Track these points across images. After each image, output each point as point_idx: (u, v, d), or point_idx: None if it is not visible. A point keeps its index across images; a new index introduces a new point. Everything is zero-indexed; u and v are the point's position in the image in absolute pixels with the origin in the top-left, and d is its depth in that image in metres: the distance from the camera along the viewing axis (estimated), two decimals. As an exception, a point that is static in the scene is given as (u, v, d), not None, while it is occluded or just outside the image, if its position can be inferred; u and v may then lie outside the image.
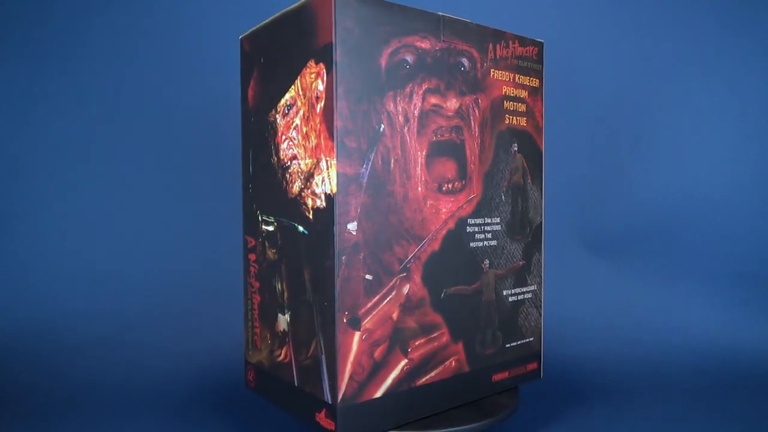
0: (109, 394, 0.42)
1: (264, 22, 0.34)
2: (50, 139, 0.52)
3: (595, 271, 0.48)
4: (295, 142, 0.31)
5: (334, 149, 0.28)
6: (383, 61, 0.30)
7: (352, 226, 0.29)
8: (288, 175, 0.32)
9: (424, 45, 0.32)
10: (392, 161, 0.30)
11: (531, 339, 0.38)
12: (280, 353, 0.33)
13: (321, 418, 0.30)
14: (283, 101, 0.32)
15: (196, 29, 0.53)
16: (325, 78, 0.29)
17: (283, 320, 0.33)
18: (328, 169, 0.29)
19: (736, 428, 0.35)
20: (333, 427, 0.29)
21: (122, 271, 0.51)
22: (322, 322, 0.30)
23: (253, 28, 0.35)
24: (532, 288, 0.38)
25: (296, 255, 0.31)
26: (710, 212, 0.48)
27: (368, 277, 0.30)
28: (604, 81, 0.47)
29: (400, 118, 0.31)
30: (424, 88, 0.32)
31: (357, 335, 0.29)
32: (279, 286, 0.33)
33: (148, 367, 0.45)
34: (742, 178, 0.48)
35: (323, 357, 0.30)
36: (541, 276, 0.39)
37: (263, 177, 0.34)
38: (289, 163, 0.32)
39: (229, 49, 0.53)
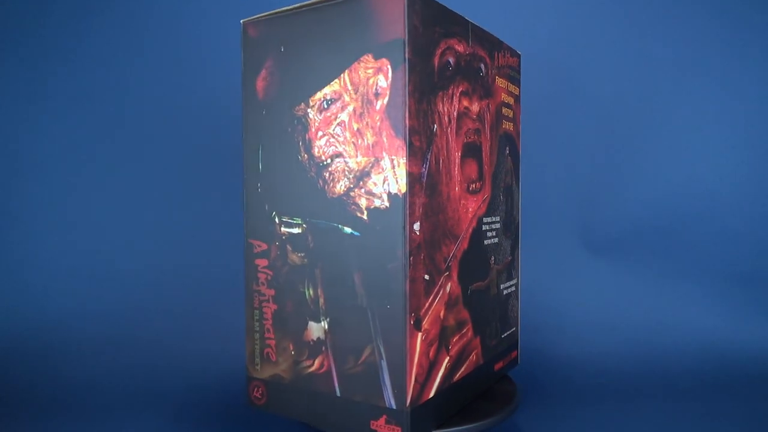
0: (109, 394, 0.41)
1: (281, 9, 0.31)
2: (50, 138, 0.50)
3: (595, 271, 0.49)
4: (341, 139, 0.30)
5: (404, 148, 0.28)
6: (436, 61, 0.30)
7: (417, 226, 0.28)
8: (327, 174, 0.30)
9: (460, 49, 0.32)
10: (441, 161, 0.31)
11: (515, 328, 0.41)
12: (312, 363, 0.31)
13: (379, 425, 0.29)
14: (319, 95, 0.30)
15: (197, 28, 0.51)
16: (390, 74, 0.28)
17: (318, 328, 0.31)
18: (393, 168, 0.28)
19: (735, 428, 0.35)
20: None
21: (122, 271, 0.50)
22: (382, 327, 0.29)
23: (263, 15, 0.32)
24: (515, 281, 0.41)
25: (340, 258, 0.30)
26: (710, 212, 0.49)
27: (426, 277, 0.29)
28: (604, 81, 0.48)
29: (445, 118, 0.31)
30: (459, 91, 0.32)
31: (419, 336, 0.29)
32: (310, 292, 0.31)
33: (149, 368, 0.44)
34: (743, 178, 0.49)
35: (384, 362, 0.29)
36: (519, 270, 0.42)
37: (283, 175, 0.32)
38: (328, 160, 0.30)
39: (229, 48, 0.51)
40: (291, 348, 0.32)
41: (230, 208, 0.52)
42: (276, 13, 0.32)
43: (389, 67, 0.28)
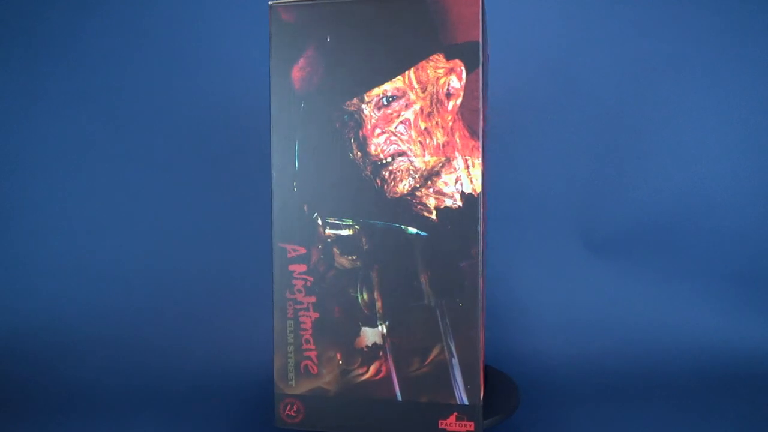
0: (110, 394, 0.41)
1: None
2: (50, 138, 0.50)
3: (595, 271, 0.49)
4: (404, 137, 0.29)
5: (479, 149, 0.28)
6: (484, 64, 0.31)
7: (480, 226, 0.29)
8: (386, 173, 0.29)
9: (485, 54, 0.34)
10: (482, 161, 0.32)
11: None
12: (365, 371, 0.30)
13: (450, 423, 0.29)
14: (377, 91, 0.29)
15: (198, 28, 0.50)
16: (464, 76, 0.28)
17: (374, 333, 0.30)
18: (468, 168, 0.29)
19: (735, 428, 0.35)
20: (473, 428, 0.29)
21: (123, 271, 0.49)
22: (452, 325, 0.29)
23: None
24: None
25: (402, 259, 0.29)
26: (711, 212, 0.49)
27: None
28: (604, 80, 0.48)
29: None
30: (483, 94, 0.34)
31: (482, 331, 0.30)
32: (364, 296, 0.30)
33: (149, 368, 0.44)
34: (743, 178, 0.49)
35: (455, 360, 0.29)
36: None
37: (329, 174, 0.30)
38: (389, 159, 0.29)
39: (230, 48, 0.49)
40: (339, 357, 0.30)
41: (231, 208, 0.50)
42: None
43: (463, 68, 0.28)
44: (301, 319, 0.30)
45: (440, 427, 0.29)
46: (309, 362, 0.30)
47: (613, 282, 0.48)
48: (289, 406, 0.31)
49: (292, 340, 0.31)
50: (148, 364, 0.44)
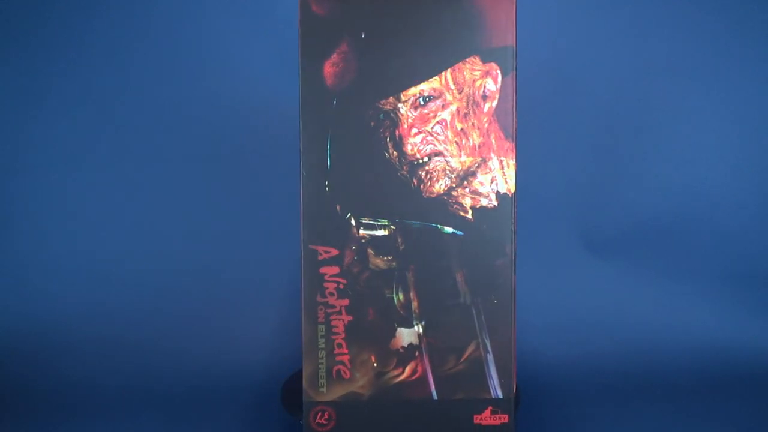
0: (110, 394, 0.41)
1: None
2: (50, 138, 0.50)
3: (595, 271, 0.48)
4: (441, 137, 0.29)
5: (513, 150, 0.29)
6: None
7: (514, 225, 0.30)
8: (423, 173, 0.29)
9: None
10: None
11: None
12: (401, 372, 0.30)
13: (485, 417, 0.30)
14: (414, 90, 0.29)
15: (200, 27, 0.49)
16: (499, 79, 0.29)
17: (410, 333, 0.30)
18: (503, 169, 0.29)
19: (735, 428, 0.35)
20: (507, 420, 0.30)
21: (123, 271, 0.49)
22: (488, 321, 0.30)
23: None
24: None
25: (438, 258, 0.29)
26: (710, 212, 0.49)
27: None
28: (604, 81, 0.48)
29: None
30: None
31: (515, 326, 0.31)
32: (399, 296, 0.30)
33: (149, 368, 0.44)
34: (743, 178, 0.49)
35: (490, 356, 0.30)
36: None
37: (364, 173, 0.29)
38: (425, 159, 0.29)
39: (233, 47, 0.49)
40: (373, 360, 0.30)
41: (232, 208, 0.50)
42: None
43: (498, 72, 0.29)
44: (333, 323, 0.30)
45: (475, 422, 0.30)
46: (342, 367, 0.30)
47: (613, 282, 0.48)
48: (319, 414, 0.30)
49: (323, 345, 0.30)
50: (148, 365, 0.44)
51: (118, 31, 0.48)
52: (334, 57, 0.29)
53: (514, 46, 0.29)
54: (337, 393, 0.30)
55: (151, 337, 0.45)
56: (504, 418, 0.30)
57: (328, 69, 0.29)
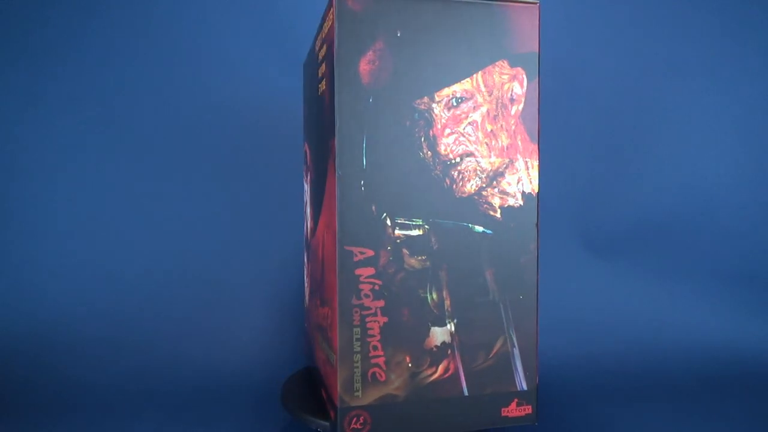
0: (109, 394, 0.41)
1: None
2: (50, 138, 0.49)
3: (595, 271, 0.48)
4: (472, 138, 0.30)
5: (536, 152, 0.31)
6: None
7: (537, 223, 0.32)
8: (455, 173, 0.30)
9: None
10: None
11: None
12: (435, 370, 0.30)
13: (511, 410, 0.31)
14: (448, 91, 0.29)
15: (199, 28, 0.49)
16: (525, 84, 0.30)
17: (443, 332, 0.30)
18: (528, 169, 0.31)
19: (736, 428, 0.35)
20: (531, 410, 0.31)
21: (123, 271, 0.49)
22: (514, 317, 0.31)
23: None
24: None
25: (470, 257, 0.30)
26: (710, 212, 0.49)
27: (523, 267, 0.33)
28: (604, 80, 0.48)
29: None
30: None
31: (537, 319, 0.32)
32: (433, 296, 0.30)
33: (149, 368, 0.44)
34: (743, 178, 0.49)
35: (516, 350, 0.31)
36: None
37: (399, 173, 0.29)
38: (458, 159, 0.30)
39: (230, 48, 0.48)
40: (408, 360, 0.29)
41: (231, 209, 0.49)
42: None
43: (524, 76, 0.30)
44: (369, 325, 0.29)
45: (502, 414, 0.31)
46: (377, 369, 0.29)
47: (612, 282, 0.48)
48: (355, 419, 0.29)
49: (358, 349, 0.29)
50: (149, 365, 0.44)
51: (118, 33, 0.48)
52: (370, 54, 0.29)
53: (538, 52, 0.31)
54: (372, 396, 0.29)
55: (151, 337, 0.45)
56: (528, 409, 0.31)
57: (364, 66, 0.29)
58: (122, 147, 0.49)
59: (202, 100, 0.48)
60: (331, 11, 0.29)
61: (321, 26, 0.32)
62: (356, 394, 0.29)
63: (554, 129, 0.50)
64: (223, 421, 0.37)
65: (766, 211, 0.50)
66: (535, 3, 0.31)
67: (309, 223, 0.39)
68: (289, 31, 0.46)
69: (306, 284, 0.42)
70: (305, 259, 0.42)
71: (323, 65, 0.31)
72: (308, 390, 0.39)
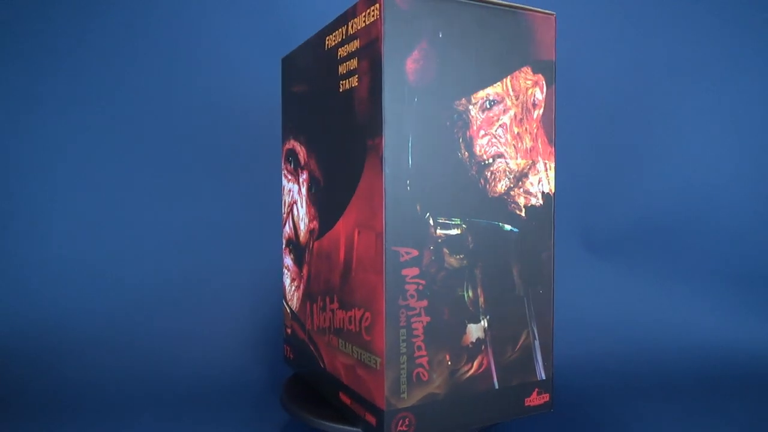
0: (109, 394, 0.41)
1: None
2: (50, 138, 0.49)
3: (595, 271, 0.48)
4: (502, 140, 0.31)
5: (553, 154, 0.33)
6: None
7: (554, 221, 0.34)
8: (488, 173, 0.31)
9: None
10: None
11: None
12: (470, 367, 0.30)
13: (533, 399, 0.33)
14: (482, 93, 0.30)
15: (198, 28, 0.48)
16: (545, 90, 0.32)
17: (477, 328, 0.31)
18: (546, 171, 0.32)
19: (736, 428, 0.35)
20: (548, 398, 0.33)
21: (123, 271, 0.48)
22: (536, 310, 0.32)
23: None
24: None
25: (500, 254, 0.31)
26: (710, 212, 0.49)
27: (533, 263, 0.35)
28: (605, 80, 0.47)
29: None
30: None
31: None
32: (469, 293, 0.30)
33: (149, 369, 0.44)
34: (743, 178, 0.49)
35: (537, 342, 0.33)
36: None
37: (440, 173, 0.29)
38: (490, 160, 0.31)
39: (230, 48, 0.48)
40: (447, 359, 0.30)
41: (233, 208, 0.48)
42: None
43: (544, 83, 0.32)
44: (414, 325, 0.29)
45: (526, 404, 0.32)
46: (421, 369, 0.29)
47: (612, 282, 0.48)
48: (401, 422, 0.29)
49: (404, 350, 0.29)
50: (149, 365, 0.43)
51: (116, 34, 0.47)
52: (416, 54, 0.28)
53: (554, 60, 0.33)
54: (416, 397, 0.29)
55: (151, 338, 0.44)
56: (546, 397, 0.33)
57: (410, 65, 0.28)
58: (123, 147, 0.48)
59: (205, 101, 0.47)
60: (373, 7, 0.28)
61: (344, 21, 0.31)
62: (402, 395, 0.29)
63: (555, 130, 0.50)
64: (223, 421, 0.37)
65: (766, 211, 0.49)
66: (552, 14, 0.32)
67: (306, 224, 0.37)
68: (290, 32, 0.44)
69: (294, 288, 0.40)
70: (289, 263, 0.40)
71: (353, 61, 0.30)
72: (308, 390, 0.38)
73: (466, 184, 0.30)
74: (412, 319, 0.29)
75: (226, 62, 0.46)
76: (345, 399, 0.33)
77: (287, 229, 0.41)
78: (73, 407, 0.39)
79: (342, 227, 0.32)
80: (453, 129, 0.30)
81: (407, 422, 0.29)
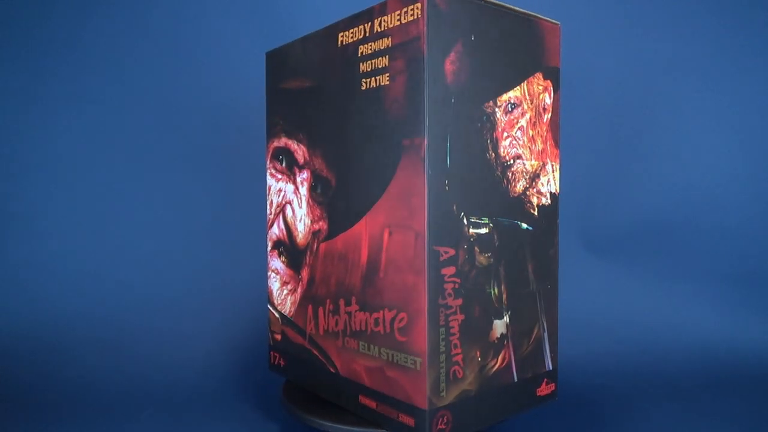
0: (110, 395, 0.41)
1: None
2: (50, 139, 0.49)
3: (595, 271, 0.47)
4: (520, 142, 0.32)
5: (558, 156, 0.35)
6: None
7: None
8: (510, 174, 0.32)
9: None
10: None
11: None
12: (496, 362, 0.31)
13: (542, 389, 0.34)
14: (506, 97, 0.31)
15: (198, 28, 0.47)
16: (552, 95, 0.34)
17: (501, 324, 0.31)
18: (553, 172, 0.34)
19: (736, 428, 0.35)
20: (554, 388, 0.35)
21: (123, 272, 0.48)
22: (545, 304, 0.34)
23: None
24: None
25: (518, 252, 0.32)
26: (710, 212, 0.48)
27: (534, 260, 0.36)
28: (604, 81, 0.46)
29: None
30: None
31: (543, 307, 0.36)
32: (495, 291, 0.31)
33: (149, 369, 0.44)
34: (743, 178, 0.48)
35: (546, 334, 0.34)
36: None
37: (472, 173, 0.30)
38: (512, 161, 0.32)
39: (229, 48, 0.47)
40: (478, 355, 0.30)
41: (230, 208, 0.48)
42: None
43: (552, 89, 0.34)
44: (451, 323, 0.29)
45: (537, 394, 0.34)
46: (457, 367, 0.29)
47: (612, 282, 0.48)
48: (440, 420, 0.29)
49: (443, 349, 0.29)
50: (149, 365, 0.43)
51: (117, 35, 0.47)
52: (453, 55, 0.29)
53: (559, 67, 0.34)
54: (453, 394, 0.29)
55: (150, 337, 0.44)
56: (552, 387, 0.35)
57: (448, 66, 0.29)
58: (123, 148, 0.48)
59: (204, 100, 0.45)
60: (413, 6, 0.28)
61: (367, 18, 0.31)
62: (442, 394, 0.29)
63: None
64: (223, 421, 0.37)
65: (766, 211, 0.49)
66: (558, 23, 0.34)
67: (306, 225, 0.36)
68: (279, 31, 0.42)
69: (287, 292, 0.38)
70: (279, 266, 0.39)
71: (382, 59, 0.30)
72: (308, 390, 0.36)
73: (493, 184, 0.31)
74: (450, 318, 0.29)
75: (222, 62, 0.45)
76: (368, 402, 0.32)
77: (276, 231, 0.39)
78: (73, 407, 0.39)
79: (364, 228, 0.32)
80: (483, 130, 0.30)
81: (445, 420, 0.29)
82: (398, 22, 0.29)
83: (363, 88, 0.31)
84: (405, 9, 0.29)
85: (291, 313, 0.38)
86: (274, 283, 0.40)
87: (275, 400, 0.39)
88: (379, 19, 0.30)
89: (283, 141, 0.38)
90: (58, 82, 0.49)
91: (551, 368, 0.35)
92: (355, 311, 0.33)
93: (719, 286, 0.49)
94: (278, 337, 0.39)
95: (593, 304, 0.49)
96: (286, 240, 0.38)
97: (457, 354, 0.29)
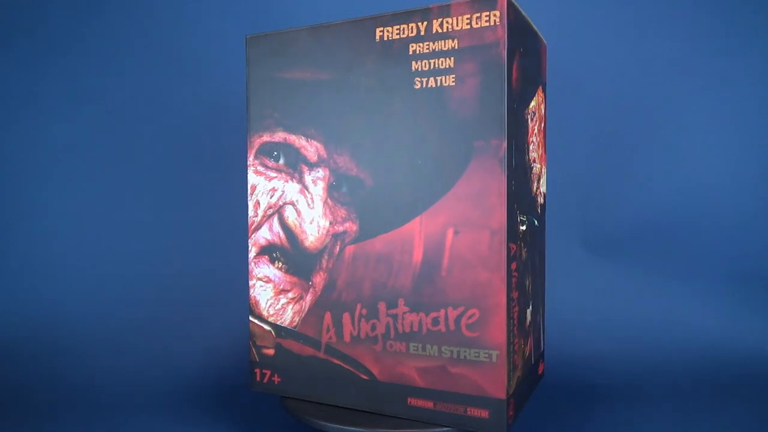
0: (109, 395, 0.41)
1: (523, 13, 0.32)
2: (50, 139, 0.50)
3: (595, 271, 0.44)
4: (535, 146, 0.35)
5: (546, 161, 0.39)
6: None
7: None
8: (532, 175, 0.35)
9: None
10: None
11: None
12: (528, 348, 0.34)
13: (540, 368, 0.38)
14: (533, 104, 0.34)
15: (198, 28, 0.45)
16: (545, 107, 0.38)
17: (530, 312, 0.34)
18: (545, 175, 0.38)
19: (736, 428, 0.35)
20: (543, 366, 0.39)
21: (123, 272, 0.48)
22: (540, 293, 0.38)
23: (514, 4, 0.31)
24: None
25: (535, 246, 0.36)
26: (710, 212, 0.47)
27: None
28: (604, 80, 0.43)
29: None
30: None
31: (528, 296, 0.40)
32: (528, 282, 0.34)
33: (149, 369, 0.44)
34: (743, 178, 0.47)
35: (539, 317, 0.38)
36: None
37: (519, 174, 0.32)
38: (532, 164, 0.35)
39: (230, 48, 0.45)
40: (522, 343, 0.33)
41: (231, 210, 0.46)
42: (522, 17, 0.31)
43: (544, 101, 0.38)
44: (513, 315, 0.31)
45: (539, 373, 0.38)
46: (516, 357, 0.31)
47: (612, 282, 0.47)
48: (510, 407, 0.30)
49: (512, 340, 0.30)
50: (148, 366, 0.44)
51: (116, 35, 0.46)
52: (515, 63, 0.30)
53: (546, 82, 0.39)
54: (514, 383, 0.31)
55: (150, 338, 0.44)
56: (542, 366, 0.39)
57: (515, 73, 0.30)
58: (122, 148, 0.47)
59: (204, 101, 0.43)
60: (491, 12, 0.29)
61: (422, 17, 0.31)
62: (511, 383, 0.30)
63: (554, 130, 0.48)
64: (222, 421, 0.37)
65: (765, 211, 0.48)
66: (545, 42, 0.39)
67: (322, 227, 0.34)
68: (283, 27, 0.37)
69: (288, 301, 0.35)
70: (274, 273, 0.35)
71: (447, 60, 0.30)
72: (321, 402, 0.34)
73: (526, 184, 0.34)
74: (514, 311, 0.31)
75: (222, 64, 0.40)
76: (422, 403, 0.32)
77: (266, 235, 0.36)
78: (73, 407, 0.39)
79: (418, 227, 0.31)
80: (525, 134, 0.33)
81: (512, 407, 0.31)
82: (467, 26, 0.30)
83: (416, 87, 0.31)
84: (478, 14, 0.29)
85: (294, 324, 0.35)
86: (262, 293, 0.36)
87: (275, 400, 0.39)
88: (440, 20, 0.30)
89: (279, 135, 0.35)
90: (57, 82, 0.47)
91: (543, 349, 0.39)
92: (404, 313, 0.32)
93: (719, 286, 0.48)
94: (270, 352, 0.36)
95: (593, 304, 0.47)
96: (285, 244, 0.35)
97: (516, 344, 0.31)
